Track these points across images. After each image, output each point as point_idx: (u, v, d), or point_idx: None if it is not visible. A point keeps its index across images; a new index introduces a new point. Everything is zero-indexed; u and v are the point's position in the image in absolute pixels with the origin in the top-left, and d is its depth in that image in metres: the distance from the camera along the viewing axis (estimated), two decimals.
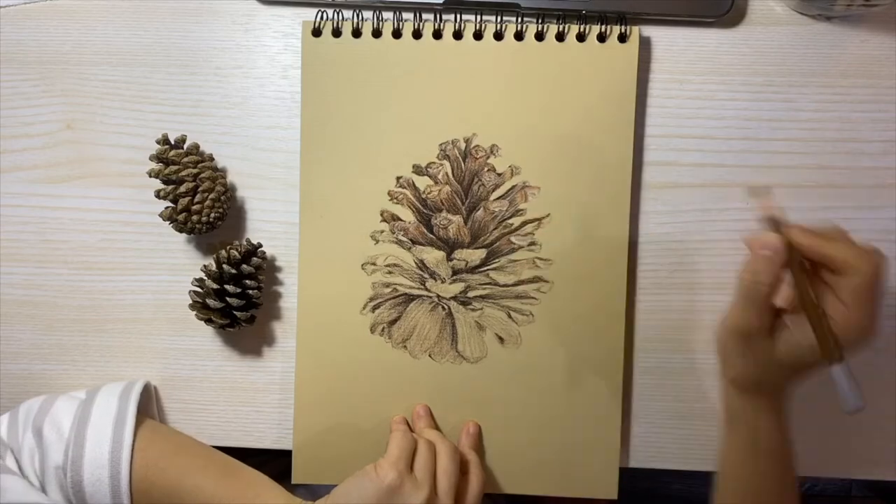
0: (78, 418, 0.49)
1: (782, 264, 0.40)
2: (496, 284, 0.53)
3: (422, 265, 0.53)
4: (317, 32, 0.51)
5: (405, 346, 0.53)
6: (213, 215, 0.51)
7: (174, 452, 0.50)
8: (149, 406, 0.54)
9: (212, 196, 0.50)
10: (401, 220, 0.52)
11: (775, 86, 0.53)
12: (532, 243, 0.52)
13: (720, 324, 0.43)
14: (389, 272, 0.53)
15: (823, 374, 0.40)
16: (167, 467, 0.49)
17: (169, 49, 0.54)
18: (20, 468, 0.48)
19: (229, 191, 0.53)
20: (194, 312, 0.52)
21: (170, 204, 0.51)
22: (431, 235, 0.52)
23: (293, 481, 0.54)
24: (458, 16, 0.51)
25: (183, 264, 0.55)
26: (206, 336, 0.55)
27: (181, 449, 0.51)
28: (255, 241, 0.52)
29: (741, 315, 0.41)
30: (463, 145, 0.52)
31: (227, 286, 0.50)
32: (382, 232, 0.53)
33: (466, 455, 0.51)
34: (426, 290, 0.53)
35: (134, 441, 0.48)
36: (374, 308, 0.53)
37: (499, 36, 0.51)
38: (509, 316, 0.53)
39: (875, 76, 0.52)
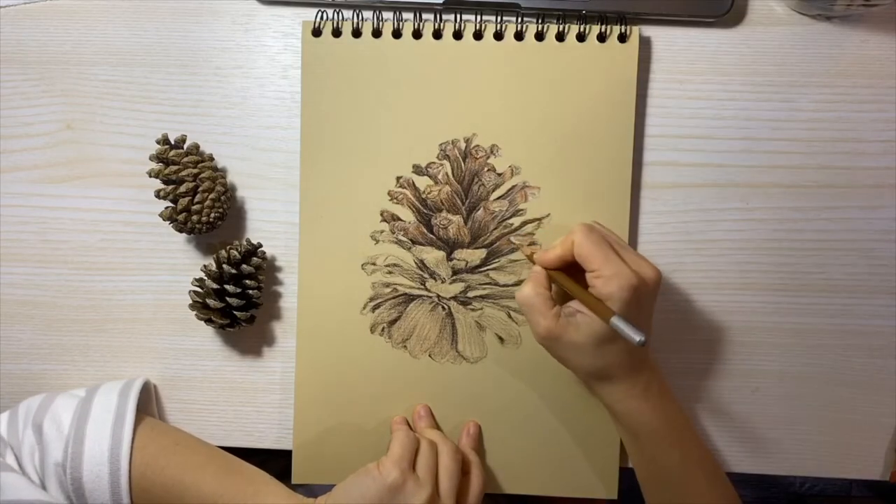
0: (78, 415, 0.49)
1: (545, 283, 0.47)
2: (496, 284, 0.53)
3: (422, 265, 0.53)
4: (317, 32, 0.51)
5: (405, 346, 0.53)
6: (213, 215, 0.51)
7: (174, 450, 0.50)
8: (148, 404, 0.54)
9: (212, 196, 0.50)
10: (401, 220, 0.52)
11: (775, 86, 0.53)
12: (532, 243, 0.52)
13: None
14: (389, 272, 0.53)
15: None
16: (167, 464, 0.49)
17: (169, 49, 0.54)
18: (20, 465, 0.48)
19: (229, 191, 0.53)
20: (194, 312, 0.52)
21: (170, 204, 0.51)
22: (431, 235, 0.52)
23: (293, 481, 0.54)
24: (458, 16, 0.51)
25: (183, 264, 0.55)
26: (206, 336, 0.55)
27: (181, 446, 0.51)
28: (255, 241, 0.52)
29: (535, 325, 0.46)
30: (463, 145, 0.52)
31: (227, 286, 0.50)
32: (382, 232, 0.52)
33: (467, 455, 0.51)
34: (426, 290, 0.53)
35: (133, 438, 0.48)
36: (374, 308, 0.53)
37: (499, 36, 0.51)
38: (509, 316, 0.53)
39: (875, 76, 0.52)
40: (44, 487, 0.47)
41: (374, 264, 0.53)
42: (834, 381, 0.54)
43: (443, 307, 0.53)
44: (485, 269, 0.53)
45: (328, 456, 0.54)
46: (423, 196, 0.52)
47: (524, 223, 0.52)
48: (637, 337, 0.40)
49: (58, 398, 0.50)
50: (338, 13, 0.51)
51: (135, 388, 0.51)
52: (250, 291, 0.51)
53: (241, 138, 0.54)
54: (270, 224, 0.54)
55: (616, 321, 0.41)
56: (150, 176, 0.50)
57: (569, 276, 0.47)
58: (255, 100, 0.54)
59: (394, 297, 0.53)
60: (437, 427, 0.53)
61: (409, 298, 0.53)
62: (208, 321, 0.52)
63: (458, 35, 0.51)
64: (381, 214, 0.52)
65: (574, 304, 0.46)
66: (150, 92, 0.54)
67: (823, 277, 0.54)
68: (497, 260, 0.52)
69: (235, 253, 0.51)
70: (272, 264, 0.55)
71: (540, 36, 0.51)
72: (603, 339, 0.44)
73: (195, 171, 0.50)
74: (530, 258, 0.51)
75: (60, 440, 0.48)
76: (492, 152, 0.52)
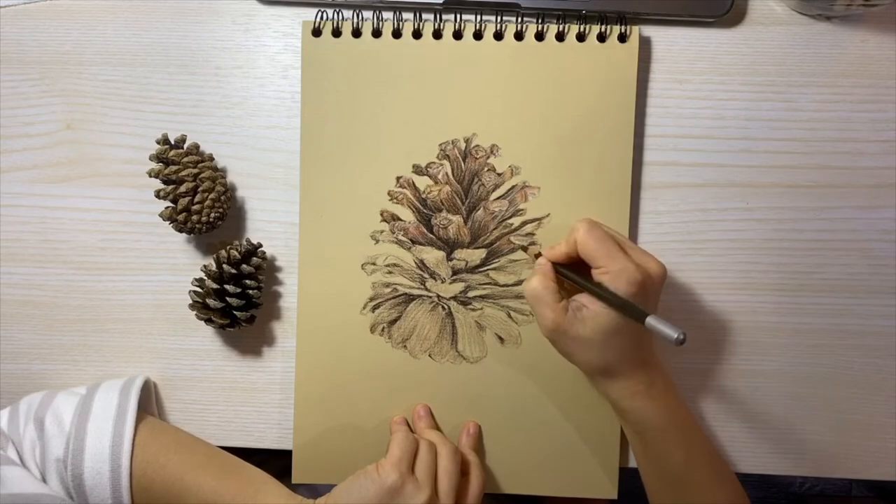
0: (79, 412, 0.49)
1: (553, 276, 0.47)
2: (496, 284, 0.53)
3: (422, 265, 0.53)
4: (317, 32, 0.51)
5: (405, 346, 0.53)
6: (213, 215, 0.51)
7: (175, 449, 0.50)
8: (148, 402, 0.55)
9: (212, 196, 0.50)
10: (401, 220, 0.52)
11: (775, 86, 0.53)
12: (532, 243, 0.52)
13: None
14: (389, 272, 0.53)
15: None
16: (167, 463, 0.49)
17: (169, 49, 0.54)
18: (21, 459, 0.48)
19: (229, 191, 0.53)
20: (194, 312, 0.52)
21: (170, 204, 0.51)
22: (431, 235, 0.52)
23: (293, 481, 0.54)
24: (458, 16, 0.51)
25: (183, 264, 0.55)
26: (206, 336, 0.55)
27: (182, 445, 0.51)
28: (255, 241, 0.52)
29: (543, 318, 0.46)
30: (463, 145, 0.52)
31: (227, 286, 0.50)
32: (382, 232, 0.53)
33: (467, 455, 0.51)
34: (426, 289, 0.53)
35: (135, 436, 0.49)
36: (374, 308, 0.53)
37: (499, 36, 0.51)
38: (509, 316, 0.53)
39: (875, 76, 0.52)
40: (44, 482, 0.48)
41: (374, 264, 0.53)
42: (834, 381, 0.54)
43: (443, 307, 0.53)
44: (485, 269, 0.53)
45: (328, 456, 0.54)
46: (423, 196, 0.52)
47: (524, 223, 0.52)
48: (675, 335, 0.39)
49: (59, 395, 0.50)
50: (338, 13, 0.51)
51: (136, 386, 0.52)
52: (250, 291, 0.51)
53: (241, 138, 0.54)
54: (270, 224, 0.54)
55: (652, 321, 0.40)
56: (150, 176, 0.50)
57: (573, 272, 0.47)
58: (255, 100, 0.54)
59: (394, 297, 0.53)
60: (437, 427, 0.53)
61: (409, 298, 0.53)
62: (208, 321, 0.52)
63: (458, 35, 0.51)
64: (381, 214, 0.52)
65: (581, 298, 0.46)
66: (150, 92, 0.54)
67: (823, 277, 0.54)
68: (497, 260, 0.52)
69: (235, 253, 0.51)
70: (272, 264, 0.55)
71: (540, 36, 0.51)
72: (610, 333, 0.44)
73: (195, 171, 0.50)
74: (534, 257, 0.50)
75: (62, 436, 0.48)
76: (492, 152, 0.52)
